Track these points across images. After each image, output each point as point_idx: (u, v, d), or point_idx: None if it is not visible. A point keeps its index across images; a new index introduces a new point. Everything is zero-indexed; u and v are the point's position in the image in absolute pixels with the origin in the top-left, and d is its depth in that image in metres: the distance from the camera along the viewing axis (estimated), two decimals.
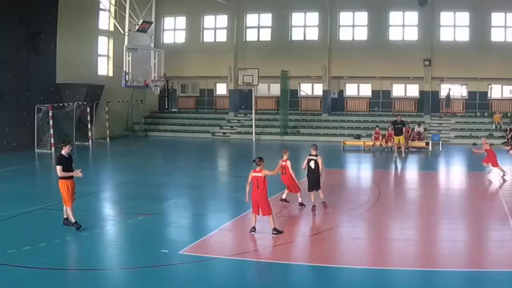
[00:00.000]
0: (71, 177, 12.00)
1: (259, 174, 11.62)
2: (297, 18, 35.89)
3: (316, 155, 14.02)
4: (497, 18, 32.07)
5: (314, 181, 13.93)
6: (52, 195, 16.02)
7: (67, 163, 12.03)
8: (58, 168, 11.86)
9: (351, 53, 33.68)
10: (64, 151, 12.09)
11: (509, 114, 32.38)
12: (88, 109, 29.90)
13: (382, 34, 33.71)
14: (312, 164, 13.93)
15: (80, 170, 12.05)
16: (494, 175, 19.12)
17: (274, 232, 11.65)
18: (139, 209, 14.04)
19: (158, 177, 20.12)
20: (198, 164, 23.48)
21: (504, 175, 18.83)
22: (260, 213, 11.64)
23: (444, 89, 34.70)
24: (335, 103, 36.16)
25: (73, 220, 11.89)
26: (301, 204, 14.19)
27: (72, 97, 29.46)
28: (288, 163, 13.85)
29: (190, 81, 39.33)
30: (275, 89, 36.06)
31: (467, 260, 10.35)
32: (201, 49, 36.58)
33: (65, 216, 12.11)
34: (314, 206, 13.89)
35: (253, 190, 11.71)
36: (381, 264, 10.04)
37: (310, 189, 13.98)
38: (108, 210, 14.26)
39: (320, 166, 13.94)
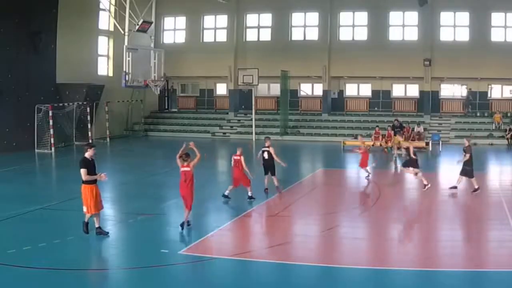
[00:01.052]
0: (95, 182, 11.36)
1: (188, 169, 12.18)
2: (297, 18, 35.90)
3: (268, 147, 16.14)
4: (497, 18, 32.07)
5: (268, 168, 16.12)
6: (52, 195, 16.07)
7: (91, 167, 11.34)
8: (83, 171, 11.12)
9: (351, 53, 33.68)
10: (87, 154, 11.35)
11: (509, 114, 32.37)
12: (88, 109, 29.91)
13: (382, 34, 33.71)
14: (265, 154, 16.09)
15: (104, 173, 11.50)
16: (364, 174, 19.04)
17: (188, 224, 12.38)
18: (139, 209, 14.05)
19: (158, 177, 20.10)
20: (197, 164, 23.44)
21: (368, 175, 18.89)
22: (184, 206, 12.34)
23: (444, 89, 34.76)
24: (335, 103, 36.16)
25: (97, 225, 11.51)
26: (251, 198, 15.21)
27: (72, 97, 29.47)
28: (242, 158, 15.01)
29: (190, 81, 39.35)
30: (275, 89, 36.06)
31: (467, 260, 10.35)
32: (201, 49, 36.58)
33: (97, 225, 11.53)
34: (267, 189, 16.13)
35: (181, 183, 12.24)
36: (381, 264, 10.04)
37: (266, 173, 16.20)
38: (108, 210, 14.24)
39: (273, 156, 16.01)
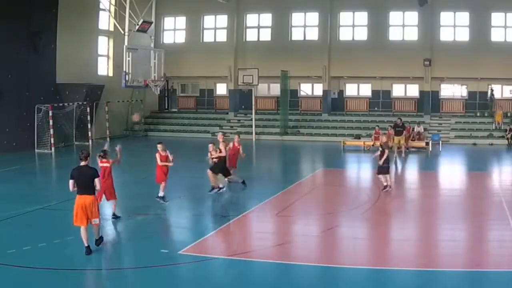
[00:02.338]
0: None
1: (107, 165, 12.81)
2: (297, 18, 35.90)
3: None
4: (497, 18, 32.07)
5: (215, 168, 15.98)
6: (52, 195, 16.06)
7: None
8: (99, 180, 10.53)
9: (351, 53, 33.68)
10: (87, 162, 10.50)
11: (509, 114, 32.36)
12: (88, 109, 29.91)
13: (382, 34, 33.71)
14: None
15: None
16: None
17: (113, 216, 12.91)
18: (138, 209, 14.05)
19: None
20: (197, 164, 23.47)
21: (215, 190, 16.08)
22: (105, 198, 12.72)
23: (444, 89, 34.78)
24: (335, 103, 36.16)
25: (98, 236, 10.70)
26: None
27: (72, 97, 29.47)
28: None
29: (190, 81, 39.35)
30: (275, 89, 36.07)
31: (467, 260, 10.35)
32: (201, 49, 36.59)
33: (97, 237, 10.64)
34: (242, 181, 16.74)
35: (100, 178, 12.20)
36: (381, 264, 10.04)
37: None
38: (108, 210, 14.24)
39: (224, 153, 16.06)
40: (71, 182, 10.23)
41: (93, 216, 10.28)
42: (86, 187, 10.23)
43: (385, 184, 16.46)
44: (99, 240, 10.69)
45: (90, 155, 10.61)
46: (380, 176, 16.57)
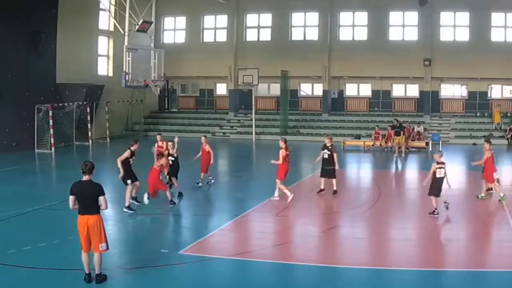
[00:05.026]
0: None
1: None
2: (297, 18, 35.94)
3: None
4: (497, 18, 32.11)
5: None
6: (52, 195, 16.04)
7: None
8: (104, 199, 8.84)
9: (351, 53, 33.71)
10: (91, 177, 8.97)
11: (509, 114, 32.35)
12: (88, 109, 29.92)
13: (382, 34, 33.73)
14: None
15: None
16: None
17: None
18: (139, 209, 14.05)
19: None
20: (197, 164, 23.49)
21: (200, 182, 17.08)
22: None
23: (444, 89, 34.78)
24: (335, 103, 36.17)
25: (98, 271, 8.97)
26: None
27: (72, 97, 29.49)
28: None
29: (190, 81, 39.37)
30: (275, 89, 36.09)
31: (467, 260, 10.35)
32: (201, 49, 36.61)
33: (98, 271, 8.91)
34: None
35: None
36: (381, 264, 10.04)
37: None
38: (108, 210, 14.23)
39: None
40: (71, 198, 8.72)
41: (100, 240, 8.73)
42: (88, 206, 8.70)
43: (322, 187, 16.19)
44: (101, 278, 8.91)
45: (94, 167, 8.84)
46: (324, 179, 16.21)
